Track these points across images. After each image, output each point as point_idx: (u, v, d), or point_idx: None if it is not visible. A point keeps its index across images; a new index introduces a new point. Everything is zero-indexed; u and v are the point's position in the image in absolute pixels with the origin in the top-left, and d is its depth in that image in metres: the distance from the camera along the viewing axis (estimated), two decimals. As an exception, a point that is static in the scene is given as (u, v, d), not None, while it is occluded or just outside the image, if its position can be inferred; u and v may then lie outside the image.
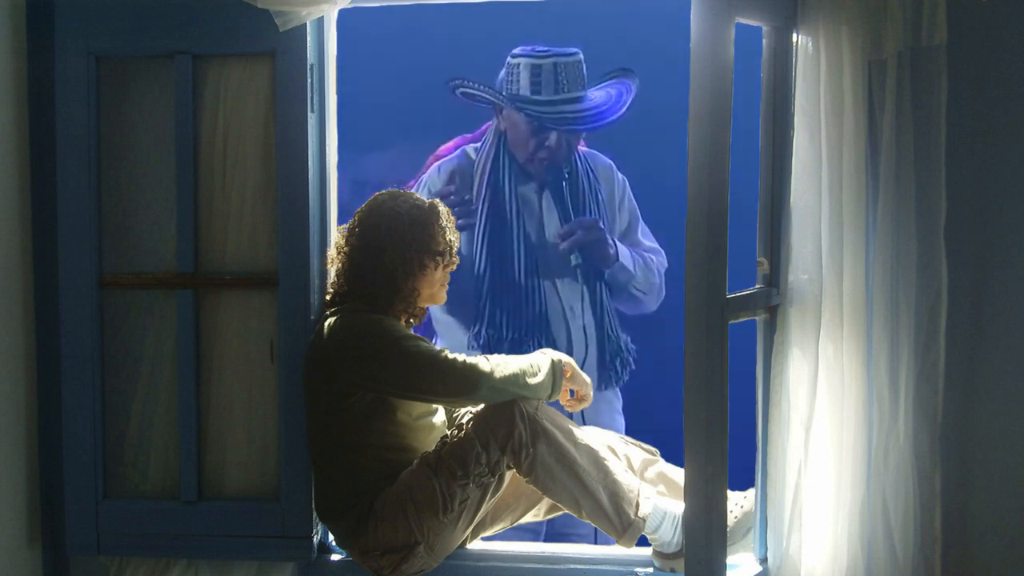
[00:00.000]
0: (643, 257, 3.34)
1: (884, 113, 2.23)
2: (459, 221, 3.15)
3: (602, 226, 3.23)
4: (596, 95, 3.24)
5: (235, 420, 2.53)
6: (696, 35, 2.08)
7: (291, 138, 2.44)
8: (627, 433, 2.73)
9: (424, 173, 3.32)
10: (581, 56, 3.22)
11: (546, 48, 3.20)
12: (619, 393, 3.39)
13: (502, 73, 3.25)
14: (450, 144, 3.36)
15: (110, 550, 2.54)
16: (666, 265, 3.37)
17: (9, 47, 2.49)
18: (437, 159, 3.34)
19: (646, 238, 3.39)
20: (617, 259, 3.25)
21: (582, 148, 3.31)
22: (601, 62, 3.29)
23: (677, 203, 2.15)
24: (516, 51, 3.22)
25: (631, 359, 3.34)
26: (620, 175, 3.38)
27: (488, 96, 3.23)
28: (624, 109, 3.26)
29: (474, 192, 3.24)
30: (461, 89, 3.25)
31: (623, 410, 3.42)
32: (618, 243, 3.28)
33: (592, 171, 3.30)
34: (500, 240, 3.22)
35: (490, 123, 3.31)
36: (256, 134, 2.48)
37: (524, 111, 3.17)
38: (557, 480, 2.34)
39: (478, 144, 3.31)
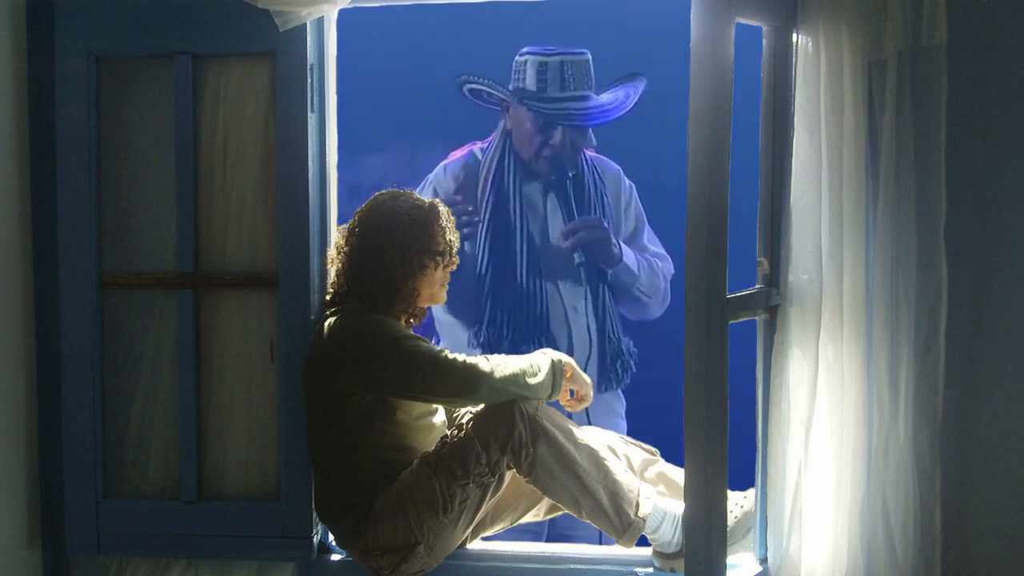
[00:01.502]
0: (648, 261, 3.34)
1: (884, 113, 2.23)
2: (464, 230, 3.16)
3: (606, 225, 3.24)
4: (603, 97, 3.25)
5: (235, 420, 2.53)
6: (696, 35, 2.08)
7: (291, 138, 2.44)
8: (628, 434, 2.73)
9: (431, 173, 3.33)
10: (589, 56, 3.22)
11: (554, 47, 3.21)
12: (622, 397, 3.39)
13: (511, 82, 3.26)
14: (460, 150, 3.37)
15: (110, 550, 2.54)
16: (672, 272, 3.37)
17: (9, 47, 2.49)
18: (444, 163, 3.35)
19: (652, 244, 3.40)
20: (621, 259, 3.25)
21: (590, 153, 3.32)
22: (600, 62, 3.29)
23: (682, 207, 2.14)
24: (524, 49, 3.24)
25: (632, 362, 3.34)
26: (627, 181, 3.39)
27: (493, 91, 3.23)
28: (629, 109, 3.27)
29: (479, 191, 3.25)
30: (468, 85, 3.26)
31: (626, 415, 3.42)
32: (622, 244, 3.28)
33: (599, 175, 3.31)
34: (503, 240, 3.22)
35: (497, 128, 3.32)
36: (256, 134, 2.48)
37: (528, 107, 3.18)
38: (557, 480, 2.34)
39: (485, 145, 3.32)
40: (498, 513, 2.56)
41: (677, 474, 2.50)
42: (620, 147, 3.51)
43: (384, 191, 2.49)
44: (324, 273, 2.53)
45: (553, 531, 3.25)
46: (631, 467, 2.53)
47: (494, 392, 2.32)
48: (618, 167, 3.39)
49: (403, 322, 2.46)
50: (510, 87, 3.24)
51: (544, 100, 3.17)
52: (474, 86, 3.26)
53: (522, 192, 3.24)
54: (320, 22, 2.47)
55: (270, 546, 2.50)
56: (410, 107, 4.74)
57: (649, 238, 3.40)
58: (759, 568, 2.42)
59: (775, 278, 2.38)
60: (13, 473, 2.53)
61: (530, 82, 3.19)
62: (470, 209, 3.23)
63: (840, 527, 2.30)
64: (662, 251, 3.40)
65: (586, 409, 2.70)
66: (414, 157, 4.59)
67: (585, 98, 3.20)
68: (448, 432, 2.41)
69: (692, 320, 2.13)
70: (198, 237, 2.50)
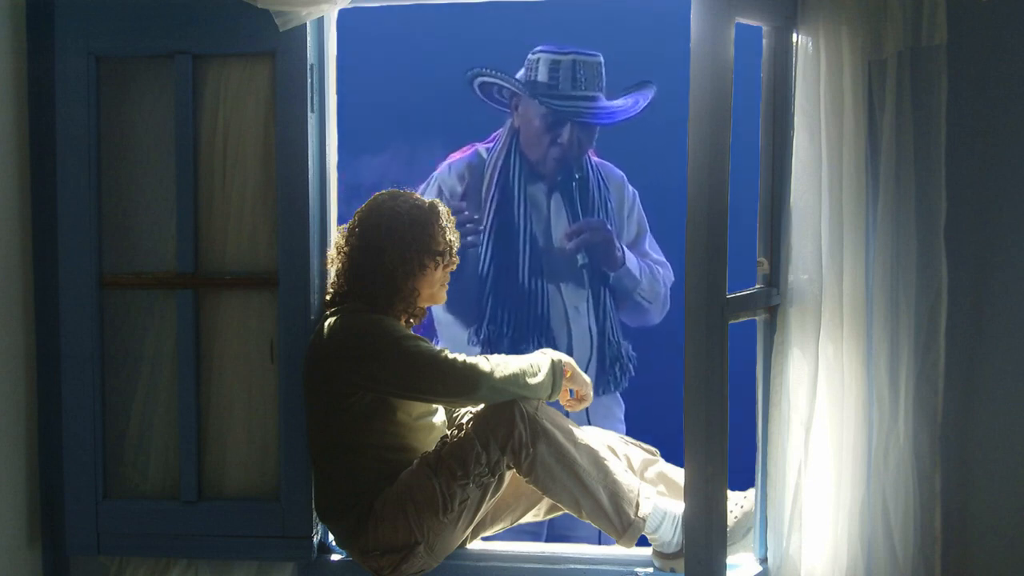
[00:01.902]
0: (650, 266, 3.35)
1: (884, 113, 2.23)
2: (468, 238, 3.17)
3: (609, 228, 3.24)
4: (615, 102, 3.26)
5: (235, 420, 2.52)
6: (696, 35, 2.08)
7: (291, 138, 2.44)
8: (628, 435, 2.73)
9: (435, 171, 3.34)
10: (601, 59, 3.23)
11: (567, 47, 3.22)
12: (621, 401, 3.39)
13: (521, 72, 3.26)
14: (463, 150, 3.37)
15: (110, 550, 2.54)
16: (672, 279, 3.38)
17: (9, 47, 2.49)
18: (449, 161, 3.36)
19: (653, 251, 3.41)
20: (623, 263, 3.26)
21: (595, 158, 3.32)
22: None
23: (682, 208, 2.14)
24: (537, 48, 3.25)
25: (631, 365, 3.34)
26: (631, 188, 3.40)
27: (506, 83, 3.23)
28: (638, 112, 3.29)
29: (483, 190, 3.25)
30: (480, 79, 3.26)
31: (625, 414, 3.42)
32: (625, 248, 3.29)
33: (603, 180, 3.32)
34: (506, 239, 3.23)
35: (502, 127, 3.32)
36: (256, 134, 2.48)
37: (540, 100, 3.18)
38: (557, 480, 2.34)
39: (489, 145, 3.33)
40: (498, 513, 2.56)
41: (677, 474, 2.50)
42: (621, 147, 3.52)
43: (384, 191, 2.49)
44: (324, 273, 2.53)
45: (553, 531, 3.25)
46: (631, 467, 2.53)
47: (494, 392, 2.32)
48: (622, 173, 3.40)
49: (403, 322, 2.46)
50: (521, 80, 3.25)
51: (555, 96, 3.18)
52: (486, 79, 3.27)
53: (526, 192, 3.25)
54: (320, 22, 2.47)
55: (270, 546, 2.50)
56: (410, 107, 4.74)
57: (651, 245, 3.41)
58: (759, 568, 2.42)
59: (775, 278, 2.38)
60: (13, 473, 2.53)
61: (542, 78, 3.20)
62: (476, 217, 3.24)
63: (840, 527, 2.30)
64: (663, 259, 3.41)
65: (586, 410, 2.70)
66: (413, 157, 4.60)
67: (595, 99, 3.21)
68: (448, 432, 2.41)
69: (692, 320, 2.13)
70: (198, 237, 2.50)
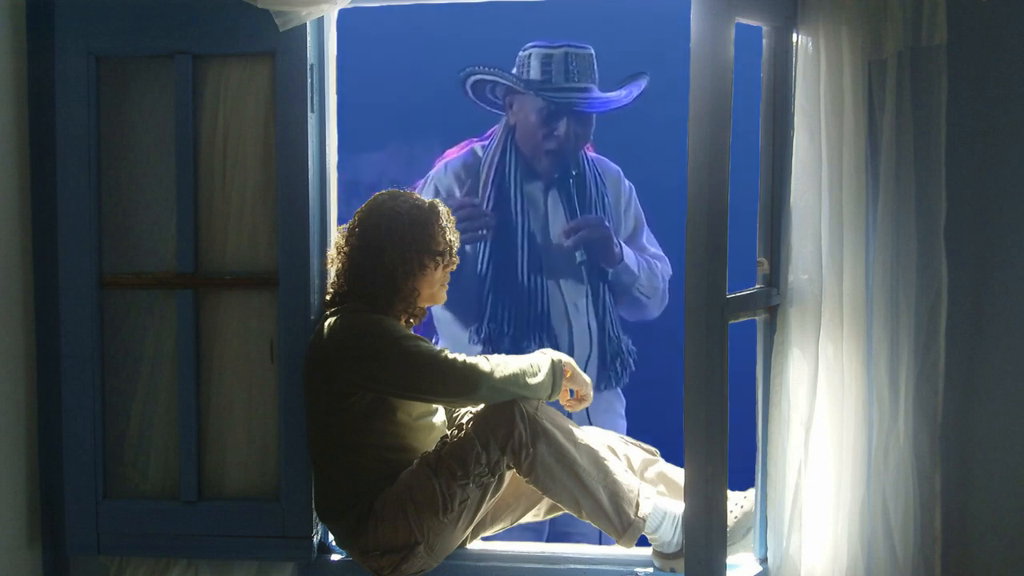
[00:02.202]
0: (648, 261, 3.35)
1: (884, 113, 2.23)
2: (474, 233, 3.16)
3: (607, 224, 3.24)
4: (608, 93, 3.26)
5: (235, 420, 2.53)
6: (696, 35, 2.08)
7: (291, 138, 2.44)
8: (628, 434, 2.73)
9: (432, 170, 3.34)
10: (592, 51, 3.23)
11: (558, 40, 3.22)
12: (622, 396, 3.39)
13: (513, 69, 3.26)
14: (458, 148, 3.37)
15: (110, 550, 2.54)
16: (670, 273, 3.38)
17: (9, 47, 2.49)
18: (445, 160, 3.35)
19: (651, 244, 3.40)
20: (622, 259, 3.26)
21: (591, 154, 3.32)
22: (600, 62, 3.30)
23: (682, 207, 2.14)
24: (528, 44, 3.24)
25: (631, 361, 3.34)
26: (627, 182, 3.39)
27: (500, 78, 3.23)
28: (631, 100, 3.28)
29: (480, 189, 3.25)
30: (474, 77, 3.26)
31: (626, 414, 3.42)
32: (623, 244, 3.29)
33: (599, 176, 3.31)
34: (504, 237, 3.23)
35: (498, 124, 3.32)
36: (256, 134, 2.48)
37: (534, 91, 3.17)
38: (557, 480, 2.34)
39: (485, 143, 3.33)
40: (498, 513, 2.56)
41: (677, 474, 2.50)
42: (620, 147, 3.52)
43: (384, 191, 2.49)
44: (324, 273, 2.53)
45: (553, 529, 3.25)
46: (631, 467, 2.53)
47: (494, 392, 2.32)
48: (618, 168, 3.40)
49: (403, 322, 2.46)
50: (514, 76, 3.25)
51: (549, 89, 3.18)
52: (481, 76, 3.26)
53: (523, 190, 3.25)
54: (320, 22, 2.47)
55: (270, 546, 2.50)
56: (410, 107, 4.74)
57: (648, 239, 3.41)
58: (759, 568, 2.42)
59: (775, 278, 2.38)
60: (13, 473, 2.53)
61: (535, 73, 3.20)
62: (487, 213, 3.22)
63: (840, 527, 2.30)
64: (660, 252, 3.40)
65: (586, 409, 2.70)
66: (412, 156, 4.60)
67: (588, 90, 3.21)
68: (448, 432, 2.41)
69: (692, 320, 2.13)
70: (198, 237, 2.50)
